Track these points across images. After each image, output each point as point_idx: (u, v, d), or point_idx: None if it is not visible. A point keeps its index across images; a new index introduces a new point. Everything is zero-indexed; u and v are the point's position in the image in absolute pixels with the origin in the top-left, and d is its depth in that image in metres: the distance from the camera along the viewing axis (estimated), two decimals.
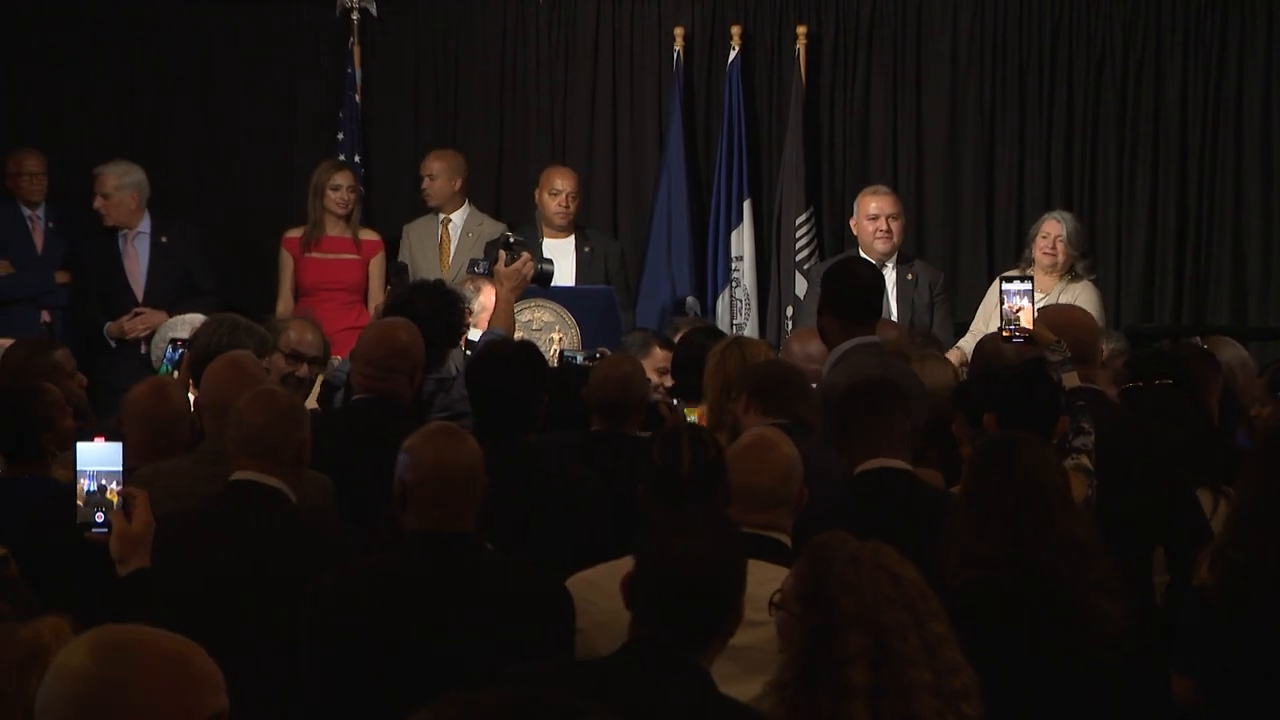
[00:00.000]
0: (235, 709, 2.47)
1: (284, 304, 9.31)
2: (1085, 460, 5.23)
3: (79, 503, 4.09)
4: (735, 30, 10.23)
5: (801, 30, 10.21)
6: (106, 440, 4.13)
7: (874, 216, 9.13)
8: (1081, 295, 8.74)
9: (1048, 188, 10.22)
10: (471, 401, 5.56)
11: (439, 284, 6.92)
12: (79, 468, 4.09)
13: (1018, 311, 5.73)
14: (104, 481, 4.08)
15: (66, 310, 9.41)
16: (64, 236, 9.64)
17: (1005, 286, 5.83)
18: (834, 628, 3.41)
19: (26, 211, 9.63)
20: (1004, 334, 5.79)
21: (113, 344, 9.16)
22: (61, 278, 9.49)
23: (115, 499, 4.09)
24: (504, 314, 7.03)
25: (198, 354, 6.18)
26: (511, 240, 7.41)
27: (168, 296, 9.16)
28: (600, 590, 4.19)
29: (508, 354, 5.63)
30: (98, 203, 9.22)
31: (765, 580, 4.10)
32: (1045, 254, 8.98)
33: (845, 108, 10.35)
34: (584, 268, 9.39)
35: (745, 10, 10.36)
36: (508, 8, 10.48)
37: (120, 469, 4.08)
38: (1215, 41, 10.13)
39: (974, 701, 3.47)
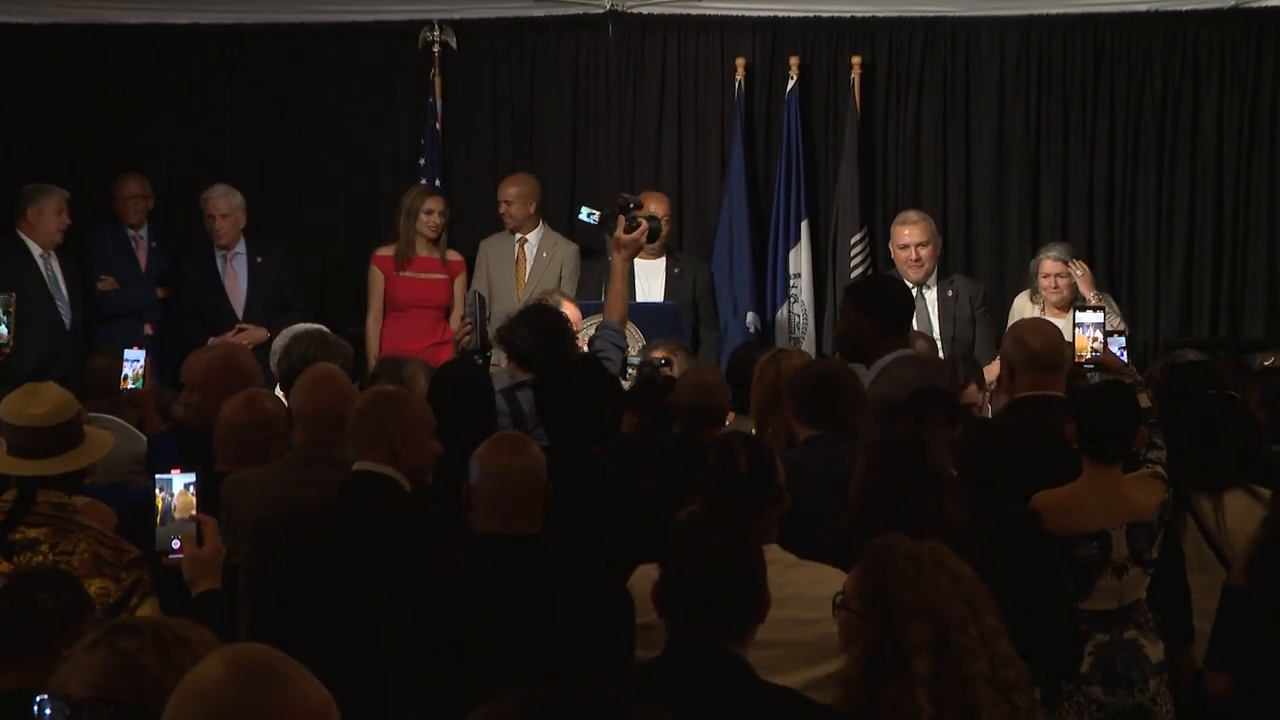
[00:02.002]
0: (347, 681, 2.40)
1: (373, 317, 9.44)
2: (1161, 470, 5.33)
3: (158, 530, 4.14)
4: (794, 61, 10.20)
5: (856, 61, 10.18)
6: (181, 471, 4.16)
7: (904, 246, 9.22)
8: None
9: (1090, 209, 10.16)
10: (539, 413, 5.54)
11: (542, 309, 6.88)
12: (158, 497, 4.14)
13: (1091, 342, 5.85)
14: (179, 509, 4.12)
15: (161, 324, 9.46)
16: (165, 254, 9.72)
17: (1079, 318, 6.01)
18: (898, 621, 3.43)
19: (130, 232, 9.72)
20: (1077, 361, 5.83)
21: None
22: (161, 293, 9.56)
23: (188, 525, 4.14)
24: (621, 294, 6.98)
25: (292, 365, 6.22)
26: (631, 204, 7.33)
27: (265, 313, 9.27)
28: None
29: (573, 368, 5.61)
30: (217, 223, 9.34)
31: (818, 580, 4.09)
32: (1051, 292, 9.01)
33: (897, 133, 10.32)
34: (672, 287, 9.40)
35: (803, 42, 10.33)
36: (580, 40, 10.48)
37: (194, 497, 4.11)
38: (1250, 69, 10.06)
39: (1025, 692, 3.44)
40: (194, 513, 4.15)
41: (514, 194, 9.69)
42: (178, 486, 4.17)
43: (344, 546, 4.51)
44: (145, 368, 6.54)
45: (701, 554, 3.51)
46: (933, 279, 9.22)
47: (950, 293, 9.18)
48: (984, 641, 3.44)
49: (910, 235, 9.18)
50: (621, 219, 7.12)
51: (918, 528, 4.27)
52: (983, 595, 3.52)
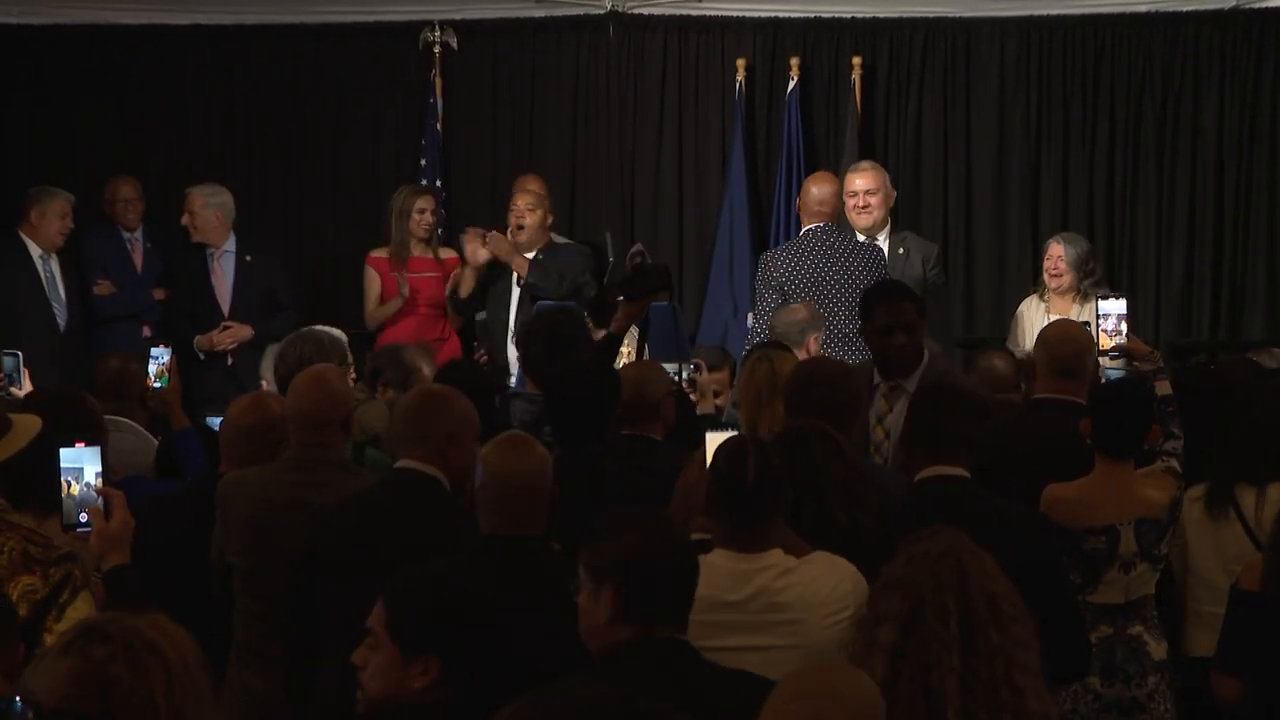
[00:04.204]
0: None
1: (371, 316, 9.37)
2: (1175, 463, 5.29)
3: (64, 504, 4.06)
4: (794, 61, 10.14)
5: (857, 61, 10.13)
6: (86, 445, 4.07)
7: (853, 194, 8.71)
8: (1087, 314, 8.52)
9: (1090, 208, 10.11)
10: (547, 412, 5.47)
11: (554, 314, 6.82)
12: (63, 471, 4.03)
13: (1115, 331, 5.79)
14: (86, 483, 4.02)
15: (158, 325, 9.40)
16: (161, 255, 9.65)
17: (1102, 306, 5.93)
18: (882, 589, 3.45)
19: (125, 234, 9.66)
20: (1102, 349, 5.86)
21: (201, 356, 9.16)
22: (158, 294, 9.50)
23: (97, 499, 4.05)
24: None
25: (289, 368, 6.16)
26: (634, 255, 7.25)
27: (252, 312, 9.23)
28: None
29: (580, 368, 5.54)
30: (185, 219, 9.27)
31: (814, 578, 4.10)
32: (1051, 275, 8.72)
33: (898, 134, 10.26)
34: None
35: (804, 42, 10.29)
36: (580, 41, 10.44)
37: (100, 471, 4.02)
38: (1250, 69, 10.01)
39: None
40: (100, 487, 4.03)
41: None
42: (85, 460, 4.06)
43: (380, 543, 4.45)
44: (169, 365, 6.47)
45: (671, 552, 3.52)
46: (885, 231, 8.82)
47: (901, 250, 8.76)
48: (976, 645, 3.35)
49: (861, 183, 8.72)
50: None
51: (802, 518, 4.28)
52: (1008, 606, 3.42)
